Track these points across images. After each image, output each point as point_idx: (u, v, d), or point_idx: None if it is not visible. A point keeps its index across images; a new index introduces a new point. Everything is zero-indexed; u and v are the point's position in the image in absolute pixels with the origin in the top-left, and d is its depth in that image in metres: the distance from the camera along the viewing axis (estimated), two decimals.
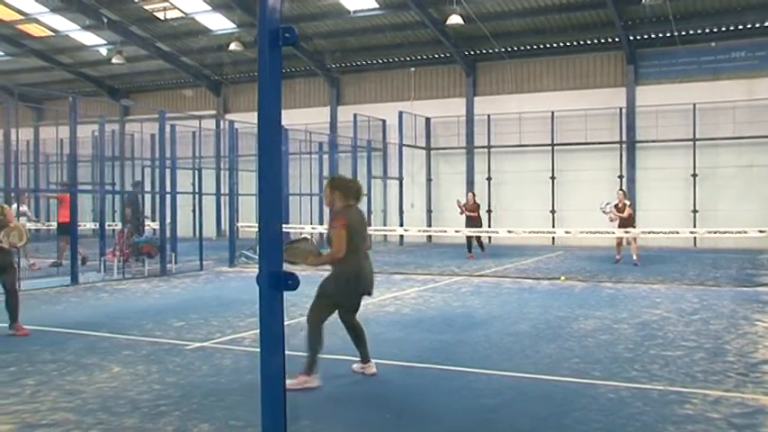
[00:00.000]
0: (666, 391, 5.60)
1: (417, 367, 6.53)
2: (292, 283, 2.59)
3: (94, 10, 23.41)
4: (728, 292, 11.61)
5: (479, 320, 9.03)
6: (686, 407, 5.18)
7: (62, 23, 25.10)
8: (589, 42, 22.82)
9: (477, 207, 18.46)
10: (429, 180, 25.30)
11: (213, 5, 23.19)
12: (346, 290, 5.99)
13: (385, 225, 23.55)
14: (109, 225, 17.19)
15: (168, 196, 15.39)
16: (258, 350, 2.62)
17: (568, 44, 23.12)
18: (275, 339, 2.62)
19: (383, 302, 10.34)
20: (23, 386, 5.86)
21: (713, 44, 21.55)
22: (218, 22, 24.34)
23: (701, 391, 5.60)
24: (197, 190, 16.97)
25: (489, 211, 23.96)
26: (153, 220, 16.92)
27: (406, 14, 22.48)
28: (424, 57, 25.00)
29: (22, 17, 24.70)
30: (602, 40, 22.52)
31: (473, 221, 18.09)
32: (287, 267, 2.65)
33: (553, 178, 23.27)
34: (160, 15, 24.18)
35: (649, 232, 17.00)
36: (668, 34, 21.38)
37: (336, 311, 6.16)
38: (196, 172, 17.31)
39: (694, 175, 21.63)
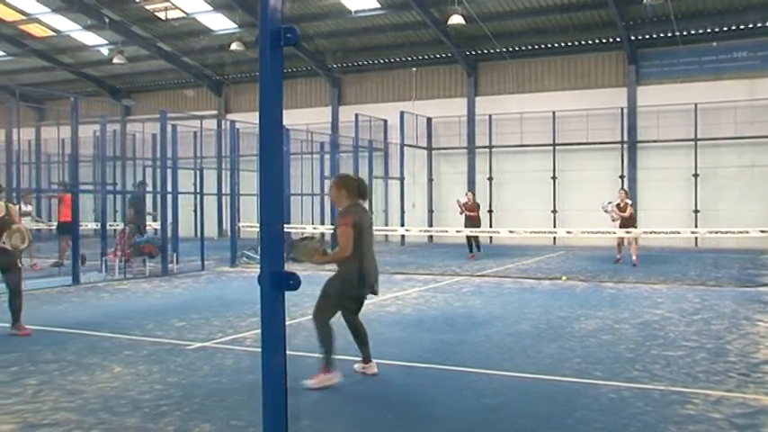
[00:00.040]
0: (668, 392, 5.60)
1: (418, 367, 6.53)
2: (294, 283, 2.59)
3: (96, 10, 23.43)
4: (730, 292, 11.60)
5: (480, 320, 9.02)
6: (688, 407, 5.18)
7: (63, 23, 25.12)
8: (590, 42, 22.81)
9: (477, 207, 18.42)
10: (430, 180, 25.30)
11: (214, 5, 23.19)
12: (351, 289, 5.97)
13: (386, 225, 23.54)
14: (110, 225, 17.19)
15: (170, 196, 15.40)
16: (259, 350, 2.62)
17: (570, 44, 23.11)
18: (277, 339, 2.61)
19: (384, 302, 10.34)
20: (25, 386, 5.86)
21: (715, 44, 21.54)
22: (220, 22, 24.35)
23: (702, 391, 5.60)
24: (198, 190, 16.98)
25: (491, 211, 23.97)
26: (154, 220, 16.92)
27: (408, 14, 22.48)
28: (426, 57, 25.00)
29: (23, 17, 24.72)
30: (604, 40, 22.51)
31: (472, 221, 18.03)
32: (292, 266, 2.65)
33: (554, 178, 23.26)
34: (161, 15, 24.20)
35: (651, 232, 16.98)
36: (669, 34, 21.37)
37: (326, 302, 6.12)
38: (197, 172, 17.32)
39: (696, 175, 21.62)
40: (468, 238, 17.94)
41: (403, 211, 23.75)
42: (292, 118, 22.43)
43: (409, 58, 24.99)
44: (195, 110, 27.28)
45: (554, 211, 23.19)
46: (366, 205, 6.31)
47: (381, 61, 25.74)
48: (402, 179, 23.81)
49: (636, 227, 16.41)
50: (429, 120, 25.06)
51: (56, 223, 16.41)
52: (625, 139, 22.42)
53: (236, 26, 24.04)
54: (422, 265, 16.59)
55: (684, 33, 21.28)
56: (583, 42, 22.90)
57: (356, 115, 22.84)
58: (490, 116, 24.05)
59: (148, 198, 18.42)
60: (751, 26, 20.84)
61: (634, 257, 15.71)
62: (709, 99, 21.18)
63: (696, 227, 20.48)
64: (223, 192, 20.02)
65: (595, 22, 22.09)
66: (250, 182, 19.52)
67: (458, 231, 17.72)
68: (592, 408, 5.22)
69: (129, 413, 5.11)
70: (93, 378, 6.12)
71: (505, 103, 23.90)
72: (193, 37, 25.35)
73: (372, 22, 23.56)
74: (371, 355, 6.22)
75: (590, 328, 8.41)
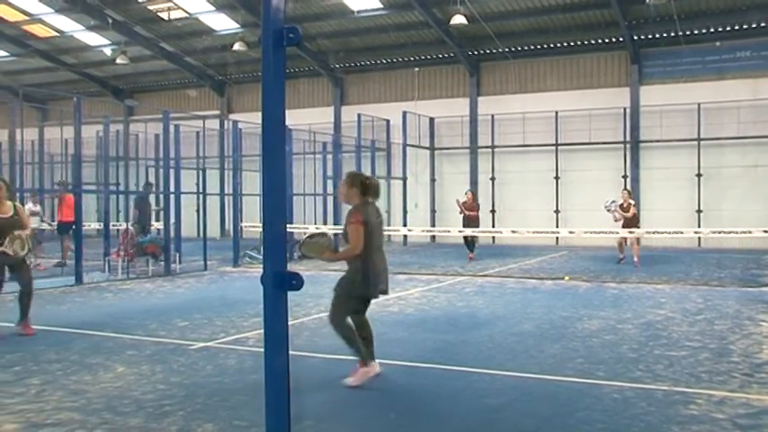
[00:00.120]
0: (671, 392, 5.59)
1: (421, 367, 6.53)
2: (296, 283, 2.59)
3: (99, 10, 23.46)
4: (733, 292, 11.59)
5: (483, 320, 9.02)
6: (691, 407, 5.18)
7: (67, 24, 25.16)
8: (593, 42, 22.78)
9: (476, 206, 18.23)
10: (433, 180, 25.29)
11: (217, 6, 23.21)
12: (357, 288, 5.95)
13: (389, 225, 23.52)
14: (113, 225, 17.21)
15: (172, 196, 15.42)
16: (262, 350, 2.62)
17: (572, 44, 23.09)
18: (279, 339, 2.61)
19: (387, 302, 10.33)
20: (28, 386, 5.88)
21: (718, 44, 21.49)
22: (222, 23, 24.37)
23: (705, 391, 5.59)
24: (201, 190, 16.99)
25: (493, 211, 23.98)
26: (157, 220, 16.94)
27: (410, 14, 22.48)
28: (428, 57, 24.99)
29: (26, 18, 24.76)
30: (607, 40, 22.48)
31: (472, 221, 17.86)
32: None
33: (557, 178, 23.24)
34: (164, 16, 24.23)
35: (654, 232, 16.96)
36: (673, 34, 21.33)
37: (339, 302, 6.10)
38: (200, 172, 17.33)
39: (699, 175, 21.58)
40: (466, 238, 17.79)
41: (405, 211, 23.74)
42: (295, 118, 22.42)
43: (412, 58, 24.98)
44: (198, 110, 27.29)
45: (557, 211, 23.17)
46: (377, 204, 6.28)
47: (384, 61, 25.73)
48: (405, 179, 23.81)
49: (639, 227, 16.38)
50: (431, 120, 25.05)
51: (56, 223, 16.44)
52: (628, 138, 22.39)
53: (238, 26, 24.05)
54: (424, 265, 16.59)
55: (687, 33, 21.24)
56: (585, 42, 22.88)
57: (359, 115, 22.84)
58: (493, 116, 24.03)
59: (152, 198, 18.41)
60: (754, 26, 20.79)
61: (635, 258, 15.69)
62: (712, 99, 21.15)
63: (699, 227, 20.45)
64: (226, 192, 20.02)
65: (598, 22, 22.06)
66: (253, 182, 19.50)
67: (460, 231, 17.69)
68: (595, 408, 5.21)
69: (133, 413, 5.12)
70: (97, 378, 6.13)
71: (508, 103, 23.88)
72: (196, 37, 25.37)
73: (375, 23, 23.56)
74: (374, 355, 6.21)
75: (593, 328, 8.41)
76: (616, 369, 6.37)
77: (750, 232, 15.10)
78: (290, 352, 2.65)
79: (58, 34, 26.06)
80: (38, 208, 16.35)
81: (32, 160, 23.64)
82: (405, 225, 22.81)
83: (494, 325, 8.66)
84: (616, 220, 16.01)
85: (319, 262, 14.62)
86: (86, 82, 29.84)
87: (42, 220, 16.63)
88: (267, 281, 2.60)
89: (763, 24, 20.67)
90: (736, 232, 15.81)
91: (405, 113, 23.25)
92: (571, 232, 18.06)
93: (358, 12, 22.59)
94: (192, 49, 26.51)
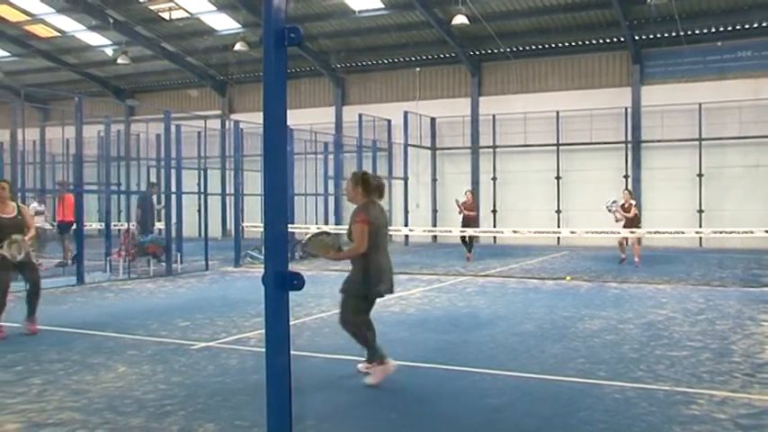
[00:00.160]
0: (672, 392, 5.59)
1: (422, 367, 6.53)
2: (298, 283, 2.59)
3: (100, 11, 23.48)
4: (734, 292, 11.58)
5: (484, 320, 9.02)
6: (692, 407, 5.17)
7: (68, 24, 25.18)
8: (594, 42, 22.77)
9: (475, 207, 18.13)
10: (434, 180, 25.29)
11: (218, 6, 23.22)
12: (359, 288, 5.95)
13: (390, 225, 23.51)
14: (114, 225, 17.22)
15: (174, 196, 15.42)
16: (263, 350, 2.63)
17: (573, 44, 23.08)
18: (281, 339, 2.62)
19: (388, 302, 10.33)
20: (30, 385, 5.88)
21: (719, 44, 21.48)
22: (224, 23, 24.38)
23: (707, 391, 5.59)
24: (202, 190, 16.98)
25: (494, 211, 23.98)
26: (159, 220, 16.95)
27: (412, 14, 22.48)
28: (430, 57, 24.99)
29: (28, 18, 24.78)
30: (608, 40, 22.47)
31: (471, 221, 17.76)
32: (296, 266, 2.66)
33: (558, 178, 23.24)
34: (165, 16, 24.23)
35: (655, 232, 16.95)
36: (674, 34, 21.32)
37: (346, 303, 6.09)
38: (201, 172, 17.34)
39: (700, 175, 21.57)
40: (463, 238, 17.74)
41: (407, 211, 23.74)
42: (296, 118, 22.44)
43: (413, 58, 24.98)
44: (199, 110, 27.32)
45: (558, 211, 23.17)
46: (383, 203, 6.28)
47: (385, 61, 25.74)
48: (406, 179, 23.81)
49: (640, 227, 16.36)
50: (433, 120, 25.05)
51: (56, 223, 16.44)
52: (629, 138, 22.38)
53: (239, 26, 24.07)
54: (426, 265, 16.59)
55: (689, 33, 21.22)
56: (587, 42, 22.87)
57: (360, 115, 22.85)
58: (494, 116, 24.03)
59: (154, 198, 18.43)
60: (756, 26, 20.78)
61: (636, 258, 15.68)
62: (713, 99, 21.14)
63: (700, 227, 20.43)
64: (227, 192, 20.03)
65: (599, 22, 22.06)
66: (254, 182, 19.50)
67: (462, 231, 17.69)
68: (596, 408, 5.21)
69: (134, 413, 5.13)
70: (98, 378, 6.14)
71: (509, 103, 23.88)
72: (197, 37, 25.38)
73: (376, 22, 23.56)
74: (376, 356, 6.21)
75: (594, 328, 8.40)
76: (617, 369, 6.37)
77: (751, 232, 15.09)
78: (292, 352, 2.65)
79: (59, 34, 26.09)
80: (43, 207, 16.36)
81: (34, 160, 23.66)
82: (406, 225, 22.81)
83: (495, 325, 8.66)
84: (617, 221, 16.00)
85: (320, 261, 14.56)
86: (88, 82, 29.87)
87: (52, 224, 16.68)
88: (268, 281, 2.60)
89: (764, 24, 20.65)
90: (738, 232, 15.81)
91: (406, 113, 23.25)
92: (572, 232, 18.05)
93: (359, 12, 22.59)
94: (194, 49, 26.53)
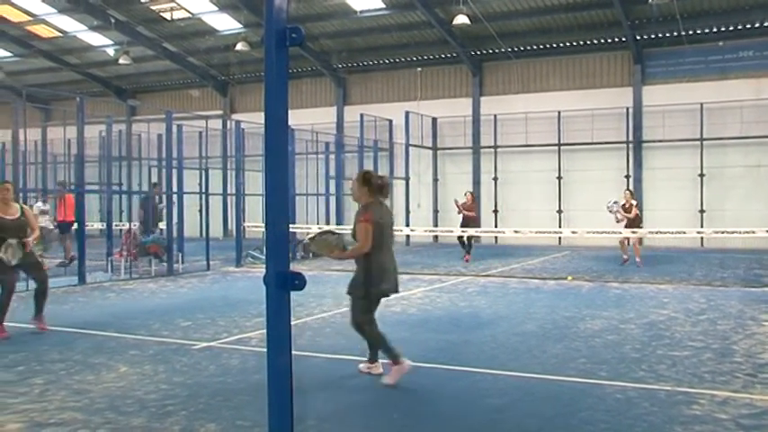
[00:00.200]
0: (674, 392, 5.59)
1: (424, 367, 6.52)
2: (299, 283, 2.60)
3: (102, 11, 23.50)
4: (736, 292, 11.57)
5: (486, 320, 9.02)
6: (694, 407, 5.17)
7: (70, 24, 25.20)
8: (596, 42, 22.76)
9: (475, 207, 18.07)
10: (435, 180, 25.29)
11: (220, 6, 23.24)
12: (364, 287, 5.95)
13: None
14: (116, 225, 17.23)
15: (175, 196, 15.43)
16: (265, 350, 2.63)
17: (575, 44, 23.07)
18: (282, 339, 2.62)
19: (389, 302, 10.31)
20: (32, 385, 5.89)
21: (721, 43, 21.46)
22: (225, 23, 24.39)
23: (708, 391, 5.58)
24: (204, 190, 16.98)
25: (496, 211, 23.98)
26: (161, 220, 16.97)
27: (413, 14, 22.48)
28: (431, 57, 24.98)
29: (30, 18, 24.81)
30: (609, 40, 22.45)
31: (471, 222, 17.70)
32: (297, 266, 2.66)
33: (560, 178, 23.23)
34: (167, 16, 24.25)
35: (656, 232, 16.94)
36: (675, 34, 21.30)
37: (353, 304, 6.09)
38: (203, 172, 17.36)
39: (701, 175, 21.55)
40: (460, 238, 17.69)
41: (408, 211, 23.73)
42: (297, 118, 22.46)
43: (414, 58, 24.98)
44: (200, 110, 27.32)
45: (559, 211, 23.16)
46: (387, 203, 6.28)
47: (386, 61, 25.74)
48: (407, 179, 23.81)
49: (641, 227, 16.35)
50: (434, 120, 25.05)
51: (56, 223, 16.45)
52: (630, 138, 22.37)
53: (241, 26, 24.08)
54: (427, 265, 16.58)
55: (690, 33, 21.21)
56: (588, 42, 22.86)
57: (361, 115, 22.84)
58: (495, 116, 24.03)
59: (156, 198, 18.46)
60: (757, 25, 20.76)
61: (638, 258, 15.67)
62: (714, 99, 21.12)
63: (702, 227, 20.41)
64: (228, 192, 20.03)
65: (601, 22, 22.05)
66: (255, 182, 19.50)
67: (463, 231, 17.68)
68: (597, 408, 5.21)
69: (136, 413, 5.13)
70: (100, 378, 6.14)
71: (510, 103, 23.87)
72: (199, 37, 25.40)
73: (377, 22, 23.57)
74: (378, 356, 6.21)
75: (595, 328, 8.40)
76: (619, 369, 6.37)
77: (753, 232, 15.08)
78: (293, 352, 2.66)
79: (61, 35, 26.11)
80: (47, 207, 16.37)
81: (35, 160, 23.67)
82: (407, 225, 22.81)
83: (496, 325, 8.66)
84: (618, 221, 15.98)
85: (322, 261, 14.59)
86: (89, 82, 29.90)
87: (49, 220, 16.67)
88: (270, 281, 2.60)
89: (766, 24, 20.62)
90: (739, 232, 15.80)
91: (407, 113, 23.25)
92: (574, 232, 18.04)
93: (361, 12, 22.60)
94: (195, 50, 26.54)
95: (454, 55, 24.40)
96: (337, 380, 6.07)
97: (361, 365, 6.27)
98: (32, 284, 8.66)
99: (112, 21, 23.82)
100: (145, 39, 25.54)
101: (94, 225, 19.38)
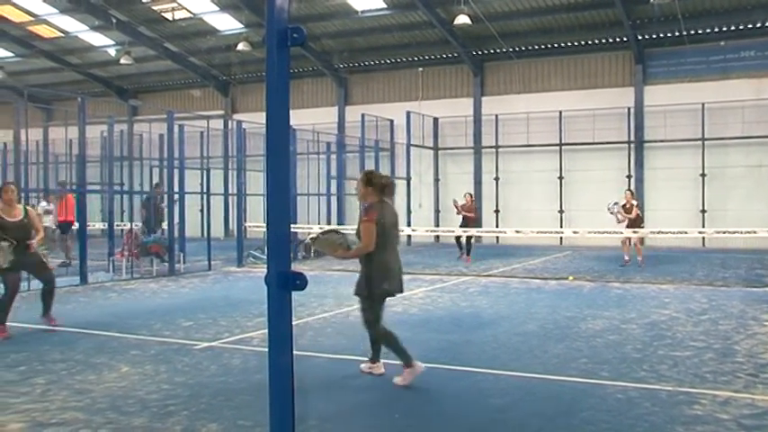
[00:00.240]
0: (675, 392, 5.58)
1: (425, 367, 6.52)
2: (300, 283, 2.60)
3: (103, 11, 23.52)
4: (737, 292, 11.56)
5: (487, 320, 9.02)
6: (695, 407, 5.17)
7: (71, 24, 25.22)
8: (597, 42, 22.75)
9: (474, 208, 18.07)
10: (437, 180, 25.29)
11: (221, 6, 23.25)
12: (366, 287, 5.95)
13: None
14: (117, 225, 17.24)
15: (176, 196, 15.44)
16: (266, 350, 2.63)
17: (576, 44, 23.06)
18: (283, 339, 2.62)
19: (391, 302, 10.27)
20: (34, 385, 5.89)
21: (722, 43, 21.45)
22: (226, 23, 24.40)
23: (710, 391, 5.58)
24: (205, 190, 16.97)
25: (497, 211, 23.98)
26: (162, 220, 16.98)
27: (414, 14, 22.49)
28: (432, 57, 24.99)
29: (31, 18, 24.83)
30: (611, 40, 22.45)
31: (470, 222, 17.66)
32: (298, 266, 2.66)
33: (561, 178, 23.22)
34: (168, 16, 24.27)
35: (658, 232, 16.93)
36: (677, 34, 21.30)
37: (362, 305, 6.09)
38: (204, 172, 17.35)
39: (703, 175, 21.54)
40: (457, 238, 17.66)
41: (409, 211, 23.73)
42: (299, 118, 22.46)
43: (415, 58, 24.99)
44: (202, 110, 27.32)
45: (560, 211, 23.15)
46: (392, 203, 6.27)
47: (388, 61, 25.74)
48: (408, 179, 23.81)
49: (643, 227, 16.34)
50: (435, 120, 25.05)
51: (56, 223, 16.46)
52: (632, 138, 22.37)
53: (242, 26, 24.09)
54: (428, 265, 16.58)
55: (692, 33, 21.20)
56: (589, 42, 22.85)
57: (362, 115, 22.84)
58: (497, 116, 24.02)
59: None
60: (759, 25, 20.74)
61: (639, 258, 15.66)
62: (716, 99, 21.10)
63: (703, 227, 20.40)
64: (230, 192, 20.03)
65: (602, 22, 22.04)
66: (257, 182, 19.51)
67: (464, 231, 17.68)
68: (599, 408, 5.21)
69: (137, 413, 5.13)
70: (101, 377, 6.14)
71: (512, 103, 23.87)
72: (200, 37, 25.41)
73: (379, 23, 23.57)
74: (380, 356, 6.21)
75: (597, 328, 8.40)
76: (620, 369, 6.36)
77: (754, 232, 15.07)
78: (295, 352, 2.65)
79: (62, 35, 26.14)
80: (52, 206, 16.38)
81: (37, 160, 23.68)
82: (408, 225, 22.80)
83: (498, 325, 8.66)
84: (619, 222, 15.97)
85: (323, 261, 14.59)
86: (91, 82, 29.92)
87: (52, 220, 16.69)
88: (271, 281, 2.60)
89: (767, 24, 20.60)
90: (741, 232, 15.80)
91: (408, 113, 23.24)
92: (575, 232, 18.04)
93: (362, 12, 22.61)
94: (197, 50, 26.56)
95: (455, 55, 24.40)
96: (339, 380, 6.07)
97: (363, 365, 6.27)
98: (33, 285, 8.69)
99: (114, 21, 23.84)
100: (146, 39, 25.56)
101: (96, 225, 19.38)
